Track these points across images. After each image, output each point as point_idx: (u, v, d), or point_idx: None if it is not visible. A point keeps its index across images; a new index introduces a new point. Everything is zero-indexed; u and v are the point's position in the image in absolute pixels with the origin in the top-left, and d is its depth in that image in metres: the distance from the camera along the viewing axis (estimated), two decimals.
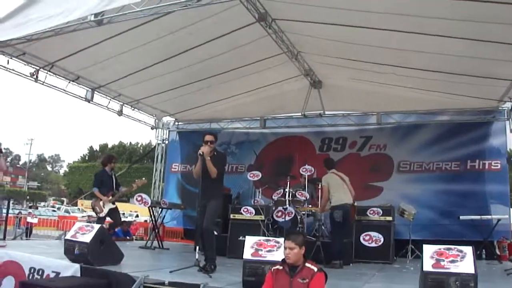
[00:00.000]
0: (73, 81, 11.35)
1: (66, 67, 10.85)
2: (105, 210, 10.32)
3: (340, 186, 9.49)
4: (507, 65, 8.85)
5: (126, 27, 8.86)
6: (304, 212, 10.70)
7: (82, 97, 11.98)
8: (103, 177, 10.64)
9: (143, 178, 11.58)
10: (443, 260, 5.24)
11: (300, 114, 13.23)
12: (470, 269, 5.11)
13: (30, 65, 10.28)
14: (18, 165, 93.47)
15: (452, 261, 5.21)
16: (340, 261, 8.98)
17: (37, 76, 10.45)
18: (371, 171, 13.08)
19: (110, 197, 10.39)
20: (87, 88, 11.91)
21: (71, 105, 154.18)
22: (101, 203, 10.32)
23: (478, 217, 11.06)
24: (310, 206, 10.87)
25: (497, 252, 11.58)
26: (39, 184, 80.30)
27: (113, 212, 10.54)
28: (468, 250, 5.29)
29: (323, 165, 10.16)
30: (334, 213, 9.32)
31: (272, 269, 4.99)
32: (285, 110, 14.02)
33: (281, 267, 4.92)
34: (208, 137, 7.66)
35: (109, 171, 10.73)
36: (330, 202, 9.55)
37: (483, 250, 11.27)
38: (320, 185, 10.19)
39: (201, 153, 7.41)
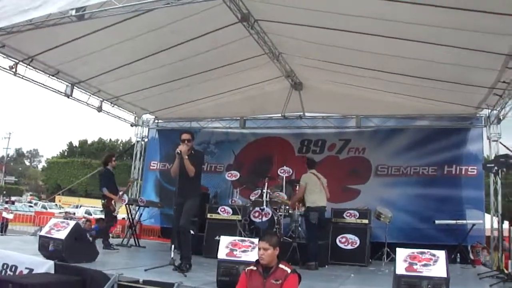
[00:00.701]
0: (52, 75, 11.22)
1: (46, 61, 10.73)
2: (117, 209, 10.33)
3: (317, 188, 9.56)
4: (484, 73, 8.97)
5: (108, 23, 8.77)
6: (281, 214, 10.72)
7: (61, 92, 11.83)
8: (108, 176, 10.60)
9: (132, 177, 11.59)
10: (416, 264, 5.33)
11: (280, 115, 13.26)
12: (442, 273, 5.19)
13: (9, 58, 10.13)
14: None
15: (425, 265, 5.30)
16: (315, 263, 9.03)
17: (16, 70, 10.31)
18: (349, 174, 13.15)
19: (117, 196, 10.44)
20: (67, 83, 11.76)
21: (50, 100, 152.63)
22: (113, 202, 10.29)
23: (453, 221, 11.22)
24: (284, 197, 10.86)
25: (471, 256, 11.73)
26: (16, 179, 79.42)
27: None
28: (441, 254, 5.38)
29: (304, 164, 10.20)
30: (310, 214, 9.38)
31: (246, 270, 5.00)
32: (265, 110, 14.01)
33: (255, 268, 4.93)
34: (184, 136, 7.68)
35: (111, 170, 10.68)
36: (304, 202, 9.61)
37: (458, 254, 11.40)
38: (297, 185, 10.26)
39: (179, 151, 7.41)
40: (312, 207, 9.42)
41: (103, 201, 10.49)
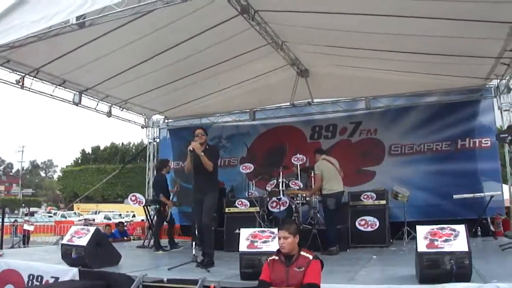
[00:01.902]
0: (59, 85, 11.32)
1: (52, 72, 10.81)
2: (169, 215, 10.52)
3: (333, 174, 9.55)
4: (491, 43, 8.86)
5: (108, 28, 8.81)
6: (298, 202, 10.72)
7: (70, 101, 11.94)
8: (163, 182, 10.81)
9: (177, 179, 11.78)
10: (437, 240, 5.30)
11: (288, 103, 13.27)
12: (464, 247, 5.17)
13: (15, 72, 10.23)
14: (11, 174, 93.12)
15: (446, 240, 5.27)
16: (336, 247, 9.05)
17: (23, 83, 10.41)
18: (363, 156, 13.12)
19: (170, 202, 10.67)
20: (74, 92, 11.86)
21: (60, 109, 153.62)
22: (167, 207, 10.47)
23: (471, 195, 11.14)
24: (298, 189, 10.88)
25: (492, 228, 11.69)
26: (33, 191, 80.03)
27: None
28: (461, 228, 5.35)
29: (315, 154, 10.20)
30: (327, 200, 9.38)
31: (268, 260, 5.02)
32: (274, 100, 14.05)
33: (277, 257, 4.95)
34: (197, 131, 7.75)
35: (165, 175, 10.83)
36: (322, 190, 9.59)
37: (478, 227, 11.38)
38: (312, 172, 10.26)
39: (191, 149, 7.44)
40: (329, 194, 9.44)
41: (157, 206, 10.66)
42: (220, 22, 9.41)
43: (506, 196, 11.79)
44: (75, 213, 44.95)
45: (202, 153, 7.50)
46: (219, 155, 8.51)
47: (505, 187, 11.92)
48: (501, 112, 11.71)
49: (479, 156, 12.11)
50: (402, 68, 11.02)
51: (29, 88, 10.67)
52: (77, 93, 11.90)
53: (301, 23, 9.52)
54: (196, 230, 7.69)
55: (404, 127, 12.98)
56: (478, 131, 12.24)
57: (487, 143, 12.04)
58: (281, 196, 10.37)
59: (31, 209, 53.07)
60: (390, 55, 10.25)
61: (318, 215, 10.78)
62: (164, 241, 10.92)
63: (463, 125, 12.40)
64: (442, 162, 12.38)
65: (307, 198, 10.79)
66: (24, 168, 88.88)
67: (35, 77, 10.58)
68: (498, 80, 11.38)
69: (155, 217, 11.21)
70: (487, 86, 12.12)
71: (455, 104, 12.45)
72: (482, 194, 11.22)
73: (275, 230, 5.81)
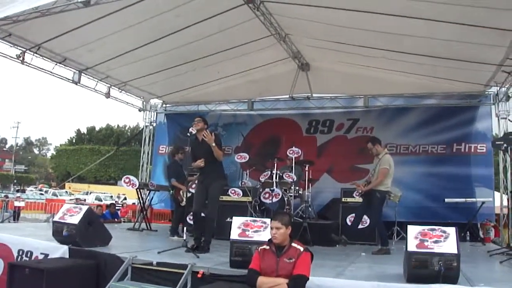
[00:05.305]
0: (60, 63, 11.26)
1: (53, 49, 10.75)
2: (185, 199, 10.44)
3: (393, 173, 9.15)
4: (493, 50, 8.91)
5: (113, 9, 8.78)
6: (291, 194, 10.74)
7: (69, 79, 11.90)
8: (176, 167, 10.70)
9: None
10: (427, 241, 5.33)
11: (287, 96, 13.26)
12: (453, 249, 5.20)
13: (16, 46, 10.15)
14: (4, 149, 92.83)
15: (436, 241, 5.30)
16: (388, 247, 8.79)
17: (23, 58, 10.33)
18: (357, 153, 13.07)
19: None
20: (74, 70, 11.82)
21: (58, 87, 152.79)
22: (181, 192, 10.40)
23: (463, 199, 11.22)
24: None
25: (481, 234, 11.75)
26: (26, 168, 79.85)
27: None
28: (451, 230, 5.39)
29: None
30: (383, 197, 9.04)
31: (259, 249, 5.05)
32: (273, 92, 14.03)
33: (268, 247, 4.99)
34: (196, 119, 7.88)
35: (179, 161, 10.75)
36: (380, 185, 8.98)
37: (468, 232, 11.43)
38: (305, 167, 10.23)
39: (191, 132, 7.55)
40: (386, 191, 9.06)
41: (171, 191, 10.60)
42: (225, 10, 9.40)
43: (497, 203, 11.86)
44: (66, 192, 44.90)
45: (214, 144, 7.56)
46: (221, 142, 8.36)
47: (497, 194, 11.98)
48: (498, 119, 11.79)
49: (474, 162, 12.15)
50: (403, 68, 11.06)
51: (29, 64, 10.60)
52: (77, 71, 11.87)
53: (306, 16, 9.51)
54: (192, 216, 7.75)
55: (401, 127, 12.99)
56: (474, 137, 12.27)
57: (483, 149, 12.08)
58: (274, 187, 10.38)
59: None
60: (392, 55, 10.27)
61: (310, 209, 10.81)
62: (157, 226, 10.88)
63: (460, 130, 12.42)
64: (436, 165, 12.40)
65: (299, 192, 10.79)
66: (18, 144, 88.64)
67: (35, 53, 10.51)
68: (498, 88, 11.45)
69: (173, 203, 11.08)
70: (486, 92, 12.17)
71: (454, 108, 12.47)
72: (474, 200, 11.31)
73: (267, 220, 5.84)
